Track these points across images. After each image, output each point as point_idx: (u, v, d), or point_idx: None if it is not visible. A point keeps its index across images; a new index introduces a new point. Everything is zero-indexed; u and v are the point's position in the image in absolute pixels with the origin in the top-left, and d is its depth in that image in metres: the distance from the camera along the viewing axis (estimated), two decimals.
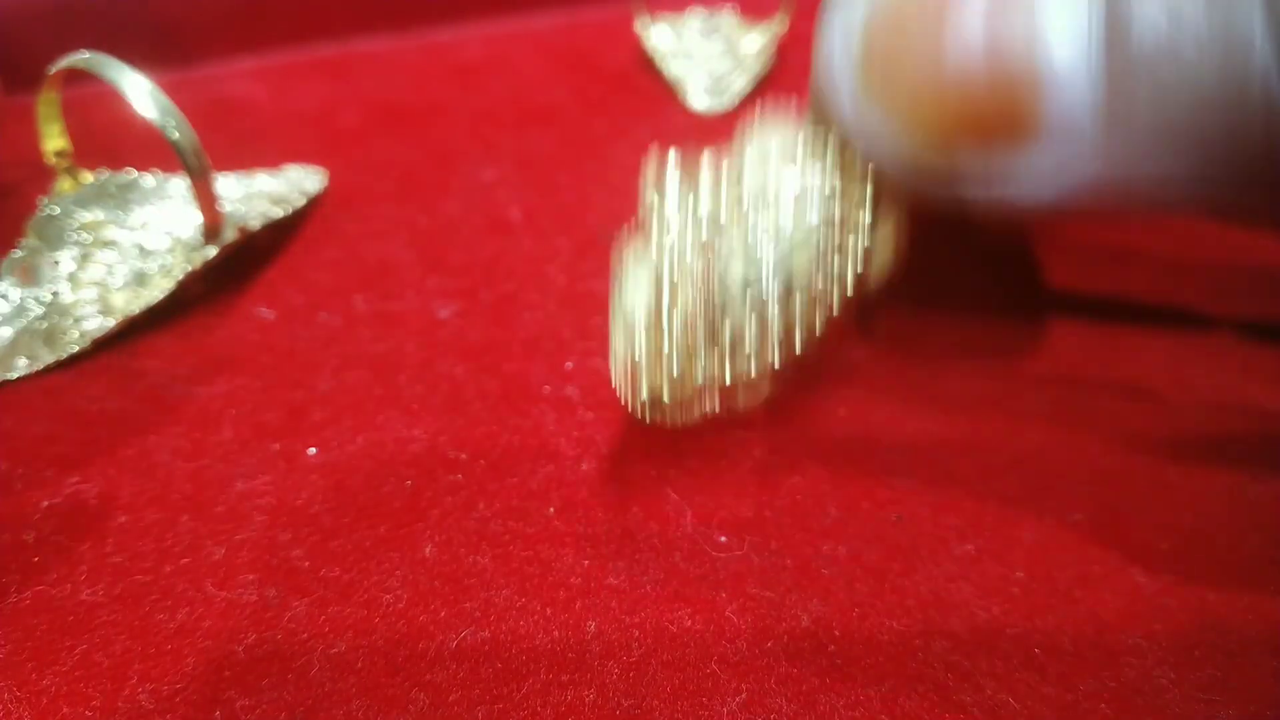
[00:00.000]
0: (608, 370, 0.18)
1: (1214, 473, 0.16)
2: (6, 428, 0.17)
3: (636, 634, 0.14)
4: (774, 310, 0.13)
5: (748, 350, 0.13)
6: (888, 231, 0.14)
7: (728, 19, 0.28)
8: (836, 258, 0.13)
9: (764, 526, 0.15)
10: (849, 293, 0.13)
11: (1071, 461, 0.16)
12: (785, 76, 0.27)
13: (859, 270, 0.13)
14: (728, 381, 0.13)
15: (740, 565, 0.15)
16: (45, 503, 0.16)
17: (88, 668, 0.14)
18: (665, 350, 0.13)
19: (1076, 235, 0.21)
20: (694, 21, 0.28)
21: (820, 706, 0.13)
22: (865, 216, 0.13)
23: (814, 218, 0.12)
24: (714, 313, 0.12)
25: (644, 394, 0.13)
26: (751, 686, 0.13)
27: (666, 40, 0.27)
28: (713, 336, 0.13)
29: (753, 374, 0.13)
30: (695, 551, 0.15)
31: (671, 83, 0.26)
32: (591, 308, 0.19)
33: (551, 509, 0.16)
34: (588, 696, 0.13)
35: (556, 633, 0.14)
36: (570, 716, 0.13)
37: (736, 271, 0.12)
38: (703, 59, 0.26)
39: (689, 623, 0.14)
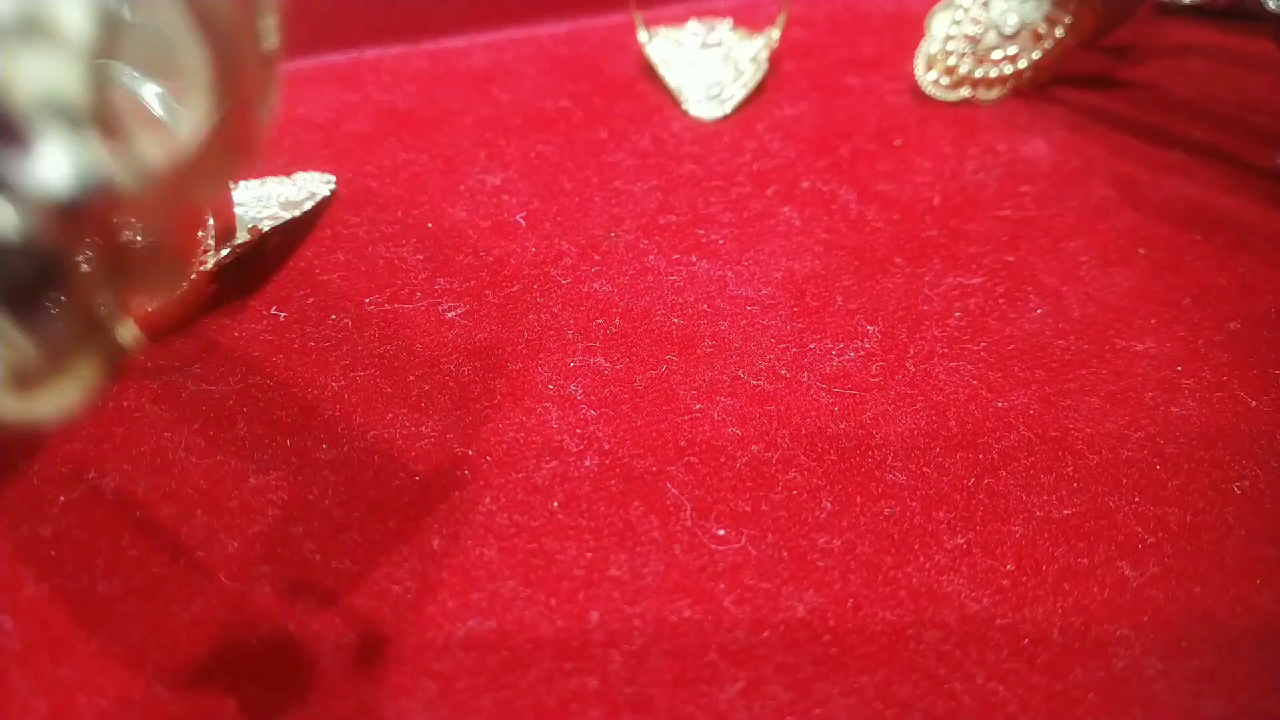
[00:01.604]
0: (609, 368, 0.18)
1: (1201, 468, 0.16)
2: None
3: (638, 624, 0.14)
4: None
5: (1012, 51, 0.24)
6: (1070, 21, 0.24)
7: (725, 30, 0.28)
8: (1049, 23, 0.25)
9: (761, 520, 0.16)
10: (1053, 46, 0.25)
11: (1060, 457, 0.17)
12: (780, 83, 0.27)
13: (1059, 36, 0.25)
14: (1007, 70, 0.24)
15: (738, 557, 0.15)
16: (62, 498, 0.16)
17: (104, 658, 0.14)
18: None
19: (1065, 234, 0.21)
20: (693, 32, 0.28)
21: (816, 694, 0.13)
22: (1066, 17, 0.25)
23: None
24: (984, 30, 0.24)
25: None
26: (749, 674, 0.13)
27: (667, 50, 0.27)
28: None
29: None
30: (694, 544, 0.15)
31: (672, 90, 0.27)
32: (594, 308, 0.20)
33: (555, 503, 0.16)
34: (590, 684, 0.13)
35: (560, 622, 0.14)
36: (574, 703, 0.13)
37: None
38: (702, 68, 0.27)
39: (688, 613, 0.14)
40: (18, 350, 0.07)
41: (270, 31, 0.08)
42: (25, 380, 0.08)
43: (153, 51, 0.07)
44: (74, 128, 0.06)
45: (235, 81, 0.07)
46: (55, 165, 0.07)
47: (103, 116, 0.07)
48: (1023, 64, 0.25)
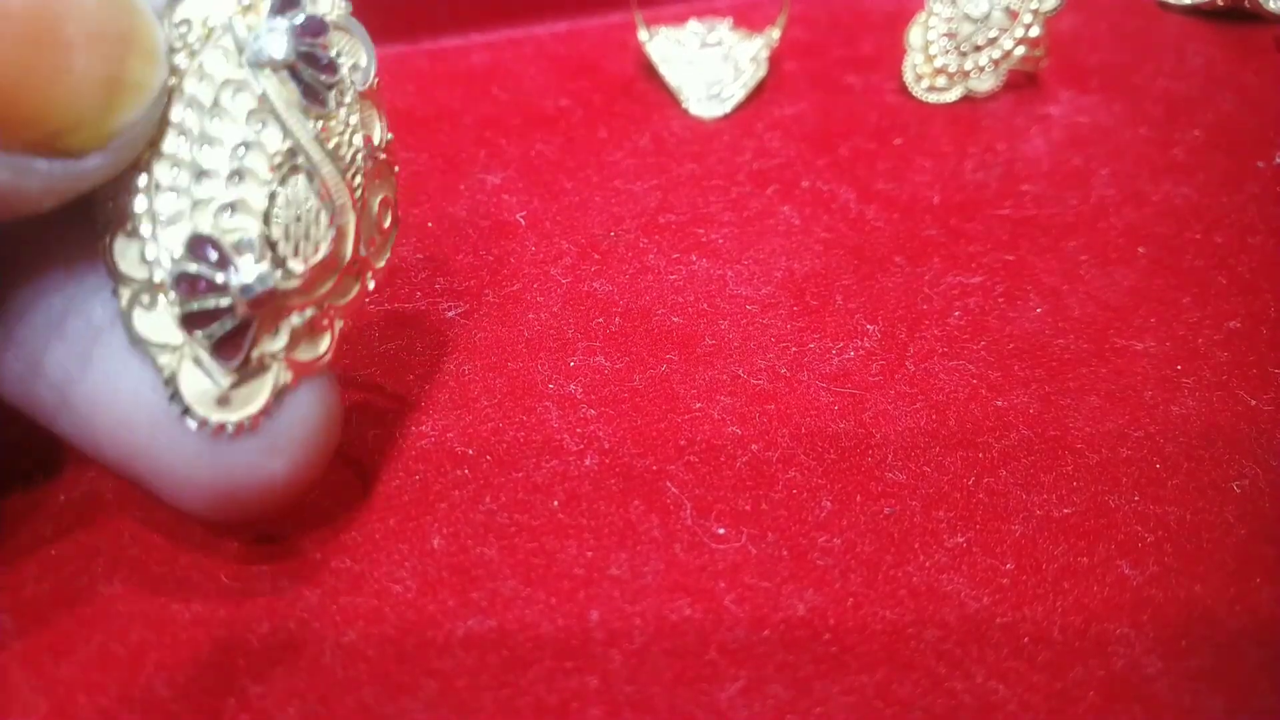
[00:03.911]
0: (609, 368, 0.18)
1: (1201, 467, 0.16)
2: (25, 424, 0.18)
3: (638, 623, 0.14)
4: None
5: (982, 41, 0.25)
6: None
7: (725, 29, 0.28)
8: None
9: (761, 519, 0.16)
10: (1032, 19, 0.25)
11: (1059, 456, 0.17)
12: (780, 83, 0.27)
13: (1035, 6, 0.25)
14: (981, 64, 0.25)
15: (738, 556, 0.15)
16: (62, 497, 0.16)
17: (105, 657, 0.14)
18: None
19: (1064, 233, 0.21)
20: (693, 31, 0.28)
21: (816, 693, 0.13)
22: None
23: None
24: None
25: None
26: (749, 673, 0.13)
27: (667, 49, 0.27)
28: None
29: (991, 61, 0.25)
30: (694, 543, 0.15)
31: (672, 90, 0.27)
32: (594, 307, 0.20)
33: (555, 502, 0.16)
34: (591, 683, 0.13)
35: (560, 621, 0.14)
36: (574, 702, 0.13)
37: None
38: (702, 67, 0.27)
39: (688, 612, 0.14)
40: (218, 382, 0.13)
41: (388, 214, 0.15)
42: (224, 400, 0.13)
43: (296, 221, 0.13)
44: (255, 255, 0.13)
45: (353, 242, 0.14)
46: (247, 274, 0.13)
47: (272, 248, 0.13)
48: (1008, 43, 0.25)
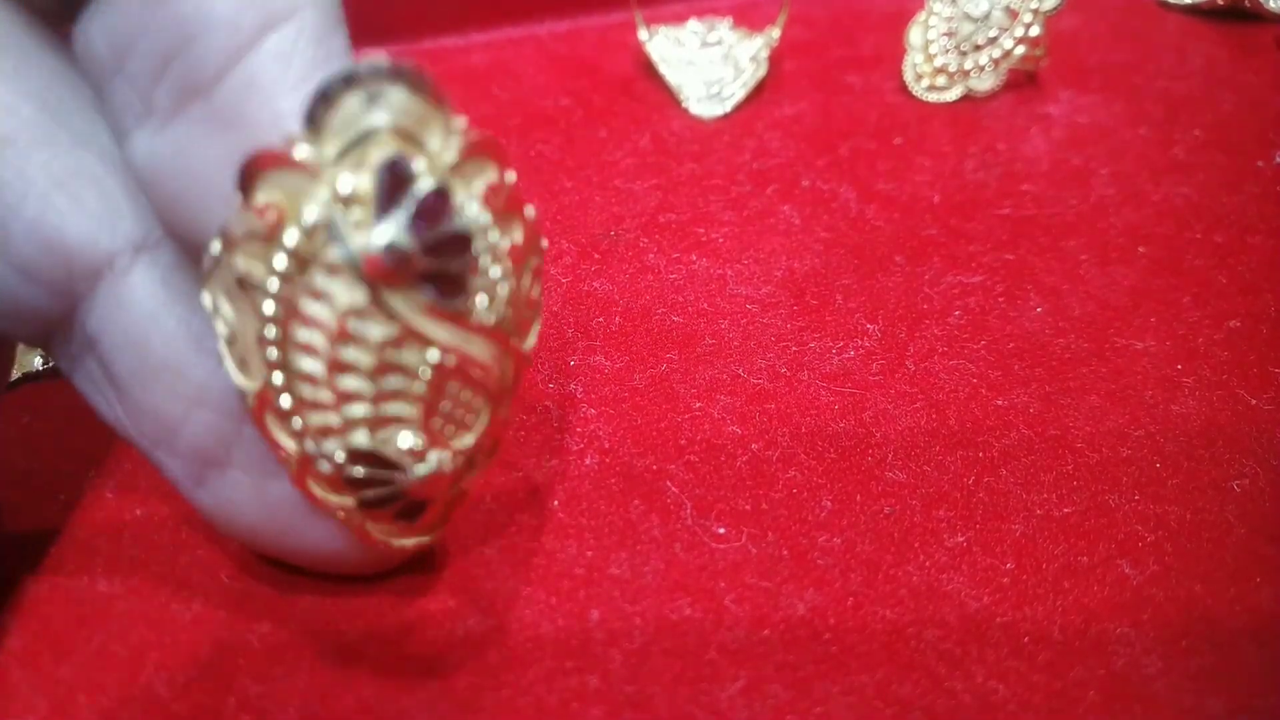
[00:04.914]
0: (609, 368, 0.18)
1: (1201, 467, 0.16)
2: (25, 424, 0.18)
3: (638, 622, 0.14)
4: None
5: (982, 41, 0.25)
6: None
7: (725, 29, 0.28)
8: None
9: (761, 519, 0.16)
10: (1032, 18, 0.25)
11: (1060, 456, 0.17)
12: (780, 82, 0.27)
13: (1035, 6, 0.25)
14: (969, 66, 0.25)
15: (738, 556, 0.15)
16: (62, 497, 0.16)
17: (105, 657, 0.14)
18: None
19: (1065, 232, 0.21)
20: (693, 31, 0.28)
21: (816, 693, 0.13)
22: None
23: None
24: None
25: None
26: (749, 673, 0.13)
27: (667, 48, 0.27)
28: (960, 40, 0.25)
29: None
30: (694, 543, 0.15)
31: (672, 89, 0.27)
32: (594, 306, 0.20)
33: (556, 502, 0.16)
34: (591, 683, 0.13)
35: (561, 621, 0.14)
36: (574, 702, 0.13)
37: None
38: (702, 66, 0.27)
39: (689, 611, 0.14)
40: (403, 527, 0.13)
41: (535, 282, 0.14)
42: (406, 529, 0.13)
43: (452, 406, 0.12)
44: (419, 455, 0.12)
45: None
46: (414, 472, 0.12)
47: (433, 437, 0.12)
48: (1008, 43, 0.25)
